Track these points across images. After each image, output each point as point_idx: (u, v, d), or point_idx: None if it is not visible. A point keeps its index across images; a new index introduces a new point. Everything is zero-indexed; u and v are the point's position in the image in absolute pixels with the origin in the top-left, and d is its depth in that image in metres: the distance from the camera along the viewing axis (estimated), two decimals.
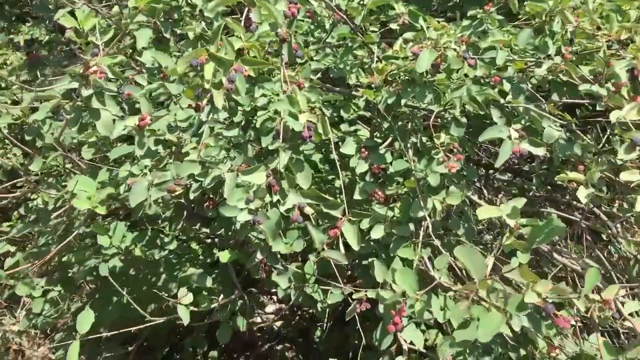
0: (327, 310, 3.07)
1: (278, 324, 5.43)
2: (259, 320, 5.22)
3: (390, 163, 3.12)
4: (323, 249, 2.47)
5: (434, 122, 3.16)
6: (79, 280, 3.50)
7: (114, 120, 2.68)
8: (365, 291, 2.54)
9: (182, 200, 2.65)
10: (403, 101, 2.89)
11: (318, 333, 4.80)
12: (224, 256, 2.82)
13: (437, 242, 2.74)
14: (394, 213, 3.00)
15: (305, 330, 5.23)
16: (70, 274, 3.66)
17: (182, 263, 3.69)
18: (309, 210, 2.39)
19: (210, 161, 2.74)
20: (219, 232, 3.19)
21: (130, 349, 4.12)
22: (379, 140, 3.14)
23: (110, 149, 3.17)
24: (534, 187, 3.86)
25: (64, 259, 3.54)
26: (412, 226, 2.98)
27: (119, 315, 3.64)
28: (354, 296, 2.55)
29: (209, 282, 2.77)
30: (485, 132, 2.58)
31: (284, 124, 2.65)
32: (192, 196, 2.57)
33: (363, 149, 3.09)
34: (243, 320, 3.14)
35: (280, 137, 2.48)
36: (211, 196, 2.65)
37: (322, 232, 2.46)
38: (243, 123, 3.17)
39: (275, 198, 2.39)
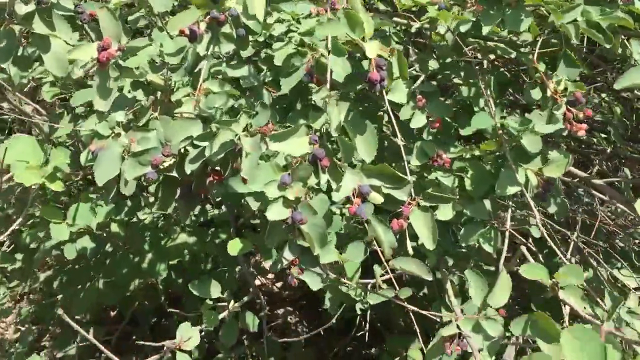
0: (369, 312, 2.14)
1: (279, 284, 4.53)
2: (257, 282, 4.30)
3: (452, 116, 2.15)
4: (392, 256, 1.51)
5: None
6: (37, 263, 2.52)
7: None
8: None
9: (174, 174, 1.65)
10: (486, 29, 1.88)
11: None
12: (233, 246, 1.85)
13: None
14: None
15: (309, 294, 4.30)
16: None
17: (171, 230, 2.73)
18: (375, 198, 1.41)
19: (216, 117, 1.74)
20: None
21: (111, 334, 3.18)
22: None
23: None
24: None
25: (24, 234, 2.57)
26: (488, 204, 2.03)
27: (94, 301, 2.69)
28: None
29: (216, 292, 1.81)
30: (627, 74, 1.60)
31: (320, 62, 1.66)
32: (188, 169, 1.58)
33: (420, 96, 2.09)
34: (254, 317, 2.19)
35: (327, 80, 1.49)
36: (217, 169, 1.65)
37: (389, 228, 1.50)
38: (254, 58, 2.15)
39: (324, 179, 1.41)
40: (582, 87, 1.71)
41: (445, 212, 2.00)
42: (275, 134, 1.39)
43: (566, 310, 2.09)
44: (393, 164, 1.61)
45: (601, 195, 2.36)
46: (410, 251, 1.70)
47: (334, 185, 1.45)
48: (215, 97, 1.76)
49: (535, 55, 1.86)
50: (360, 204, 1.43)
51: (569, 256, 2.10)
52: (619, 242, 2.90)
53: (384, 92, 1.57)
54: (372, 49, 1.37)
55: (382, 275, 1.60)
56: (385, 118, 2.38)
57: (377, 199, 1.42)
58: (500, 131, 1.94)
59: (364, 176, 1.45)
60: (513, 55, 2.17)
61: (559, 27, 1.85)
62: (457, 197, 2.09)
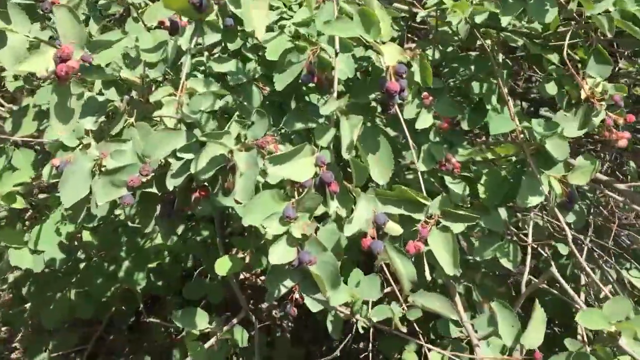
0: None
1: (263, 278, 4.31)
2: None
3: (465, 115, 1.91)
4: (412, 290, 1.29)
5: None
6: (2, 273, 2.26)
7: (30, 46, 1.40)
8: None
9: (153, 190, 1.40)
10: (505, 20, 1.64)
11: None
12: (222, 266, 1.61)
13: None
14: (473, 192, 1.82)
15: None
16: None
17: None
18: (393, 229, 1.18)
19: (201, 122, 1.49)
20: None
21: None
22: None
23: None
24: None
25: None
26: (503, 213, 1.81)
27: (66, 314, 2.44)
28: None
29: (202, 322, 1.55)
30: None
31: (322, 59, 1.42)
32: (170, 184, 1.33)
33: (425, 93, 1.84)
34: (243, 332, 1.96)
35: (333, 84, 1.24)
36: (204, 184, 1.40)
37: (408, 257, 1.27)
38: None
39: (333, 207, 1.17)
40: (624, 89, 1.48)
41: (457, 225, 1.78)
42: (275, 156, 1.14)
43: (581, 331, 1.90)
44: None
45: (616, 197, 2.15)
46: (429, 277, 1.48)
47: (342, 213, 1.21)
48: (201, 99, 1.50)
49: (565, 48, 1.62)
50: (376, 237, 1.19)
51: (584, 262, 1.89)
52: (625, 240, 2.71)
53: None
54: (392, 54, 1.12)
55: (401, 312, 1.36)
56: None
57: (395, 229, 1.19)
58: (521, 134, 1.71)
59: (378, 203, 1.21)
60: (519, 43, 1.93)
61: (586, 19, 1.62)
62: (469, 205, 1.87)
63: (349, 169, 1.20)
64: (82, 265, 2.39)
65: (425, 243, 1.46)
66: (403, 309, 1.37)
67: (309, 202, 1.14)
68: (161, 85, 1.72)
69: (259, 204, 1.14)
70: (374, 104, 1.79)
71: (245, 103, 1.82)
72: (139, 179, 1.27)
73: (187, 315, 1.52)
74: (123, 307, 2.89)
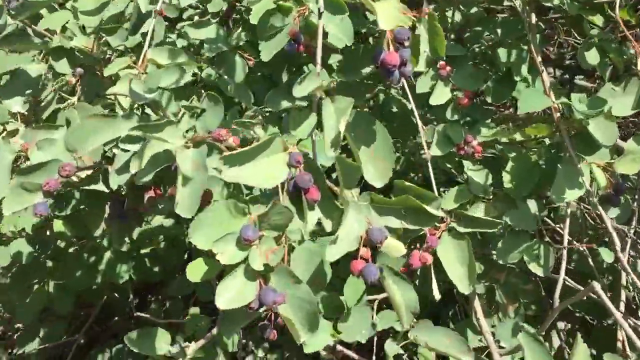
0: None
1: None
2: None
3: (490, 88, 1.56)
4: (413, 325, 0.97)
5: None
6: None
7: None
8: None
9: (99, 186, 1.09)
10: None
11: None
12: (193, 270, 1.29)
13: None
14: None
15: None
16: None
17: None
18: (393, 248, 0.86)
19: (162, 103, 1.18)
20: None
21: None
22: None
23: None
24: None
25: None
26: (533, 206, 1.47)
27: (44, 306, 2.17)
28: None
29: (163, 346, 1.24)
30: None
31: (310, 22, 1.09)
32: (114, 182, 1.02)
33: (442, 62, 1.50)
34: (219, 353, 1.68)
35: (318, 53, 0.91)
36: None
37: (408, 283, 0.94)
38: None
39: (312, 219, 0.85)
40: None
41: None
42: (232, 154, 0.81)
43: (621, 336, 1.58)
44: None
45: None
46: (437, 296, 1.16)
47: (327, 227, 0.89)
48: (161, 73, 1.17)
49: (617, 7, 1.26)
50: (370, 260, 0.87)
51: (627, 266, 1.55)
52: None
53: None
54: (389, 15, 0.77)
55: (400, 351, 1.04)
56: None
57: (396, 248, 0.86)
58: (558, 112, 1.36)
59: (374, 212, 0.89)
60: (554, 2, 1.57)
61: None
62: (491, 197, 1.54)
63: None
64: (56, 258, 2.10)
65: (434, 253, 1.14)
66: (402, 345, 1.05)
67: (276, 218, 0.82)
68: (120, 56, 1.39)
69: (209, 219, 0.82)
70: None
71: (226, 77, 1.49)
72: (57, 182, 0.96)
73: (144, 337, 1.22)
74: (116, 295, 2.62)
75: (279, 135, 0.86)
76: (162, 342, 1.26)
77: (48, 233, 1.99)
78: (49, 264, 2.17)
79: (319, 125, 0.90)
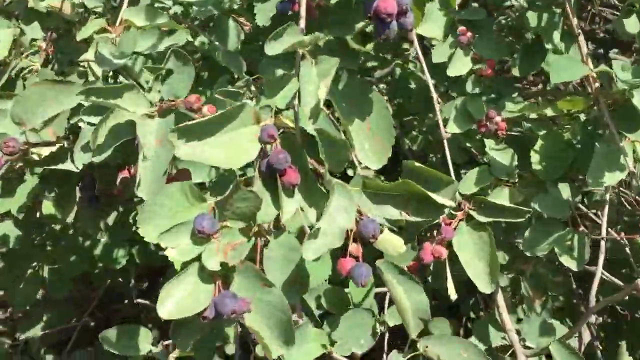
0: None
1: None
2: None
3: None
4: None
5: None
6: None
7: None
8: None
9: (66, 166, 0.94)
10: None
11: None
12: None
13: None
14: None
15: None
16: None
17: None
18: (390, 244, 0.68)
19: (134, 70, 1.03)
20: None
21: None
22: None
23: None
24: None
25: None
26: (566, 191, 1.28)
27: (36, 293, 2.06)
28: None
29: (144, 344, 1.09)
30: None
31: None
32: (79, 160, 0.86)
33: (462, 28, 1.31)
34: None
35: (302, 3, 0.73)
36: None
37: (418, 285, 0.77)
38: None
39: (289, 207, 0.68)
40: None
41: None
42: (188, 125, 0.65)
43: None
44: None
45: None
46: (454, 296, 0.99)
47: (311, 217, 0.72)
48: (136, 36, 1.01)
49: None
50: (360, 259, 0.70)
51: None
52: None
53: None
54: None
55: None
56: None
57: (394, 244, 0.69)
58: (596, 83, 1.17)
59: (367, 200, 0.72)
60: None
61: None
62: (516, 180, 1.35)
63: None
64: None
65: (449, 246, 0.97)
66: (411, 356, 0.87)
67: (240, 204, 0.65)
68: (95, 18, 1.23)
69: (162, 206, 0.66)
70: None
71: (217, 43, 1.32)
72: (1, 161, 0.81)
73: (123, 337, 1.07)
74: (120, 279, 2.49)
75: (249, 103, 0.69)
76: (144, 341, 1.11)
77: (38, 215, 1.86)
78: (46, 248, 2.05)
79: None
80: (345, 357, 1.12)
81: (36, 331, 2.35)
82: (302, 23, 0.75)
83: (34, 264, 2.03)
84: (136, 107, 0.78)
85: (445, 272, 0.99)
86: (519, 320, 1.55)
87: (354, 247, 0.71)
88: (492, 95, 1.42)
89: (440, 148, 1.76)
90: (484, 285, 0.96)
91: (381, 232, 0.70)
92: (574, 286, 1.67)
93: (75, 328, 2.37)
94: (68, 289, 2.05)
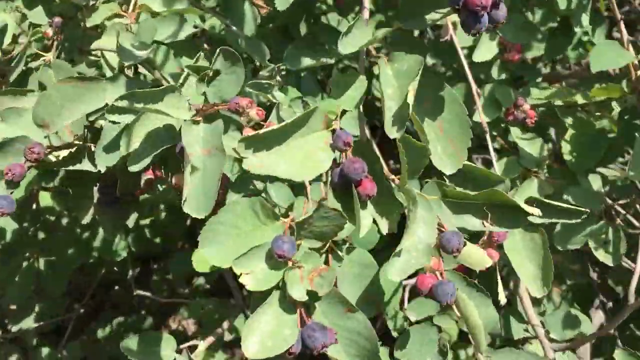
0: None
1: None
2: None
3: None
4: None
5: None
6: None
7: None
8: None
9: (84, 166, 0.84)
10: None
11: None
12: (201, 259, 1.08)
13: None
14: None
15: None
16: None
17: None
18: (475, 258, 0.61)
19: (156, 62, 0.93)
20: None
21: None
22: None
23: None
24: None
25: None
26: (597, 182, 1.23)
27: (33, 287, 1.95)
28: None
29: (168, 352, 1.01)
30: None
31: None
32: (102, 163, 0.77)
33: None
34: None
35: None
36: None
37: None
38: None
39: (366, 221, 0.60)
40: None
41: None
42: (255, 135, 0.57)
43: None
44: None
45: None
46: (504, 300, 0.93)
47: (383, 228, 0.65)
48: (155, 24, 0.91)
49: None
50: (443, 274, 0.63)
51: None
52: None
53: None
54: None
55: None
56: None
57: (479, 258, 0.63)
58: (638, 71, 1.11)
59: (447, 209, 0.65)
60: None
61: None
62: (545, 171, 1.29)
63: (395, 151, 0.62)
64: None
65: (499, 248, 0.91)
66: None
67: (320, 224, 0.57)
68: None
69: (227, 225, 0.58)
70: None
71: (234, 28, 1.22)
72: (23, 168, 0.72)
73: (146, 345, 0.99)
74: (115, 269, 2.40)
75: (317, 106, 0.60)
76: (167, 348, 1.03)
77: (34, 207, 1.76)
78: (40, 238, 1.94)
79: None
80: None
81: (29, 322, 2.24)
82: (366, 14, 0.67)
83: (28, 255, 1.93)
84: (178, 111, 0.69)
85: (495, 275, 0.92)
86: (541, 313, 1.51)
87: (435, 262, 0.64)
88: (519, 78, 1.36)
89: None
90: (536, 290, 0.91)
91: (465, 245, 0.63)
92: (593, 274, 1.62)
93: (70, 318, 2.28)
94: (64, 284, 1.95)
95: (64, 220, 1.92)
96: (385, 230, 0.65)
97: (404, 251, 0.60)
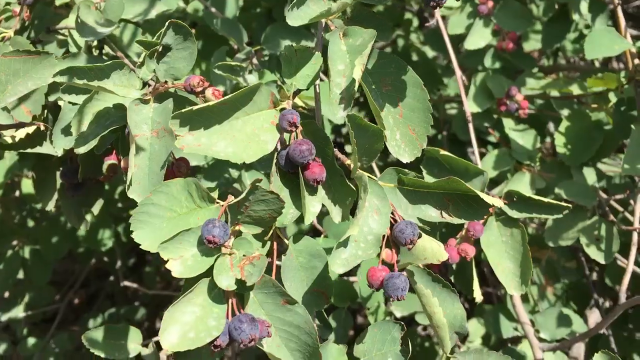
0: None
1: None
2: None
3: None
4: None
5: None
6: None
7: None
8: None
9: (44, 149, 0.81)
10: None
11: None
12: None
13: None
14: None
15: None
16: None
17: None
18: (429, 251, 0.58)
19: (122, 41, 0.91)
20: None
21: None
22: None
23: None
24: None
25: None
26: (592, 176, 1.18)
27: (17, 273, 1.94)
28: None
29: (133, 344, 0.98)
30: None
31: None
32: (59, 146, 0.74)
33: None
34: None
35: None
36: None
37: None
38: None
39: (312, 208, 0.57)
40: None
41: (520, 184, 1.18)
42: (192, 110, 0.53)
43: None
44: None
45: None
46: (479, 298, 0.89)
47: (335, 217, 0.61)
48: (124, 1, 0.88)
49: None
50: (395, 266, 0.60)
51: None
52: None
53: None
54: None
55: None
56: None
57: (435, 252, 0.59)
58: (635, 60, 1.06)
59: (403, 198, 0.61)
60: None
61: None
62: (537, 164, 1.25)
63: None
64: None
65: (477, 244, 0.87)
66: None
67: (258, 207, 0.54)
68: None
69: (160, 207, 0.55)
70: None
71: (213, 9, 1.19)
72: None
73: (111, 337, 0.96)
74: (106, 259, 2.38)
75: (264, 83, 0.57)
76: (133, 342, 1.00)
77: (17, 194, 1.74)
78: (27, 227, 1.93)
79: (326, 71, 0.61)
80: None
81: (18, 311, 2.23)
82: None
83: (14, 243, 1.91)
84: (126, 89, 0.66)
85: (471, 272, 0.89)
86: (532, 312, 1.47)
87: (387, 254, 0.60)
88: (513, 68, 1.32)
89: (444, 125, 1.66)
90: (513, 288, 0.87)
91: (419, 236, 0.59)
92: (587, 272, 1.57)
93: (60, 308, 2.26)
94: (49, 273, 1.94)
95: (53, 209, 1.90)
96: (337, 218, 0.61)
97: (351, 241, 0.56)
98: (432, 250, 0.59)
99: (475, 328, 1.55)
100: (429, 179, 0.68)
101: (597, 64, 1.42)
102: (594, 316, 1.53)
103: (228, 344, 0.52)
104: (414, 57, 1.72)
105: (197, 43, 0.70)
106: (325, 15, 0.57)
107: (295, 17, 0.57)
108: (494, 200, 0.60)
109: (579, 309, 1.60)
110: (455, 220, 0.61)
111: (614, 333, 1.54)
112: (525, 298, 1.50)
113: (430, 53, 1.71)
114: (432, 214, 0.62)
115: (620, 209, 1.25)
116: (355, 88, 0.54)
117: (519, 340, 1.47)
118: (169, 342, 0.50)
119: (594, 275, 1.82)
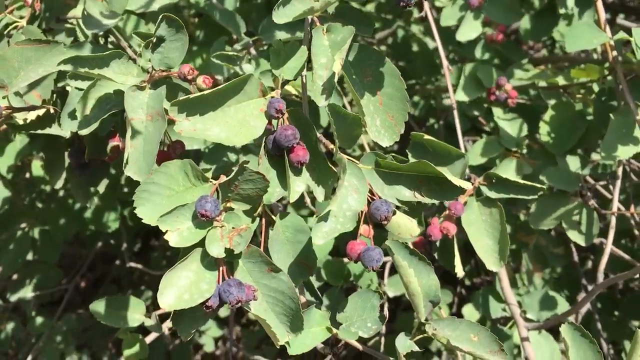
0: None
1: None
2: None
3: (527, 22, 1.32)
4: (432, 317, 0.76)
5: None
6: None
7: None
8: None
9: (53, 130, 0.89)
10: None
11: None
12: None
13: None
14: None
15: None
16: None
17: None
18: (404, 227, 0.65)
19: (125, 31, 0.98)
20: None
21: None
22: None
23: None
24: None
25: None
26: (575, 163, 1.24)
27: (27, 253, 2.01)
28: None
29: (135, 317, 1.05)
30: None
31: None
32: (67, 128, 0.81)
33: None
34: None
35: None
36: None
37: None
38: None
39: (297, 187, 0.64)
40: None
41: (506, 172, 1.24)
42: (188, 99, 0.60)
43: None
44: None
45: None
46: (461, 274, 0.96)
47: (319, 196, 0.68)
48: None
49: None
50: (372, 242, 0.66)
51: None
52: None
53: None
54: None
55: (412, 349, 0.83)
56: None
57: (408, 227, 0.66)
58: (613, 52, 1.12)
59: (379, 179, 0.68)
60: None
61: None
62: (524, 151, 1.31)
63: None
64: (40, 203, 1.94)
65: (458, 222, 0.93)
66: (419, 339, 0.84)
67: (246, 186, 0.61)
68: None
69: (159, 185, 0.62)
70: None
71: (214, 1, 1.25)
72: None
73: (114, 307, 1.04)
74: (112, 241, 2.45)
75: (254, 74, 0.64)
76: (135, 312, 1.08)
77: (28, 176, 1.81)
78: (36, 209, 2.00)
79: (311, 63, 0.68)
80: None
81: (27, 292, 2.31)
82: None
83: (24, 225, 1.98)
84: (125, 76, 0.73)
85: (453, 248, 0.95)
86: (519, 294, 1.54)
87: (365, 229, 0.67)
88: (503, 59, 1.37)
89: (441, 114, 1.72)
90: (492, 264, 0.93)
91: (394, 213, 0.66)
92: (576, 258, 1.64)
93: (68, 289, 2.34)
94: (58, 253, 2.01)
95: (61, 192, 1.98)
96: (320, 197, 0.68)
97: (331, 216, 0.63)
98: (406, 226, 0.66)
99: (471, 312, 1.61)
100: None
101: (595, 56, 1.48)
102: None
103: (218, 306, 0.59)
104: (415, 48, 1.78)
105: (200, 32, 0.76)
106: (309, 13, 0.63)
107: (281, 15, 0.63)
108: (461, 182, 0.66)
109: (570, 295, 1.67)
110: (427, 200, 0.68)
111: (604, 319, 1.61)
112: (514, 283, 1.57)
113: (431, 44, 1.76)
114: (406, 194, 0.68)
115: (609, 196, 1.31)
116: (335, 80, 0.60)
117: (508, 322, 1.54)
118: (167, 302, 0.57)
119: (589, 264, 1.89)
